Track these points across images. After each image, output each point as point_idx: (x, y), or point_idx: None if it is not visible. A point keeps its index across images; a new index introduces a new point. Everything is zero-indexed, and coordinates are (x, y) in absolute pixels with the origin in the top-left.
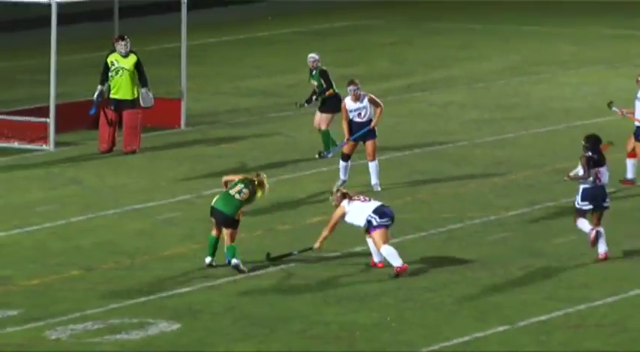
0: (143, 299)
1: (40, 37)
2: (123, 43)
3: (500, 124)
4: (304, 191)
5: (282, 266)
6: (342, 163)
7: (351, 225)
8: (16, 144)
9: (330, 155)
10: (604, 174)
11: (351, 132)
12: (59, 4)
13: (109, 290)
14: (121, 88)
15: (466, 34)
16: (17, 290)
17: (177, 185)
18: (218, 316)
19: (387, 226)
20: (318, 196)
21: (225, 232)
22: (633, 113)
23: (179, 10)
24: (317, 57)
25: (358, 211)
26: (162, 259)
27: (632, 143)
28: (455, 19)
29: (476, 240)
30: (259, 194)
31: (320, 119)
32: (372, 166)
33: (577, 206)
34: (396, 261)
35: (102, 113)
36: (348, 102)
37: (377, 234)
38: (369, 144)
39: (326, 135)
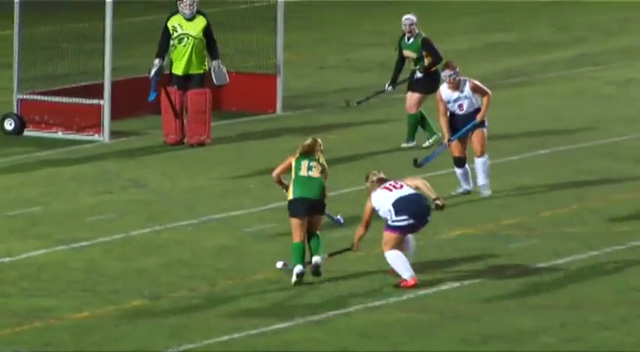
0: (226, 337)
1: None
2: (188, 1)
3: None
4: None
5: (409, 295)
6: (457, 170)
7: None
8: (60, 134)
9: (426, 163)
10: None
11: (452, 129)
12: None
13: (182, 326)
14: (184, 61)
15: None
16: (62, 325)
17: (271, 188)
18: None
19: (402, 228)
20: (456, 203)
21: (310, 223)
22: None
23: None
24: (414, 19)
25: (381, 203)
26: (251, 285)
27: None
28: None
29: None
30: (322, 158)
31: (410, 101)
32: (479, 163)
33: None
34: (405, 273)
35: (164, 95)
36: (445, 92)
37: (384, 234)
38: (477, 134)
39: (413, 122)
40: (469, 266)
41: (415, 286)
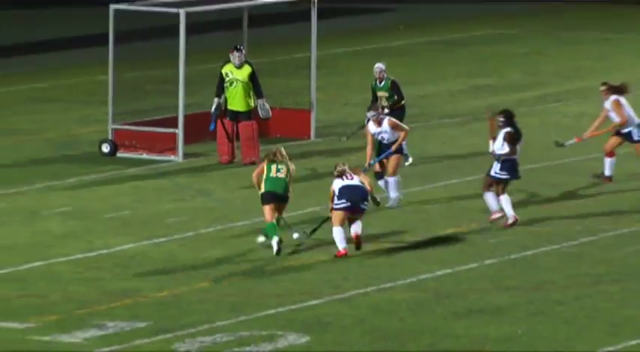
0: (272, 311)
1: (170, 46)
2: (237, 54)
3: None
4: (436, 202)
5: (413, 279)
6: (379, 181)
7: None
8: (144, 156)
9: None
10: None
11: (379, 153)
12: (188, 14)
13: (239, 302)
14: (235, 100)
15: (600, 44)
16: (146, 301)
17: (306, 196)
18: (347, 329)
19: (343, 209)
20: (449, 207)
21: (278, 209)
22: (599, 126)
23: (309, 19)
24: (384, 67)
25: (336, 188)
26: (291, 270)
27: (612, 143)
28: (589, 28)
29: (608, 254)
30: (290, 164)
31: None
32: (390, 181)
33: (494, 175)
34: (339, 244)
35: (220, 125)
36: (371, 127)
37: (333, 213)
38: (392, 159)
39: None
40: (459, 256)
41: (345, 255)
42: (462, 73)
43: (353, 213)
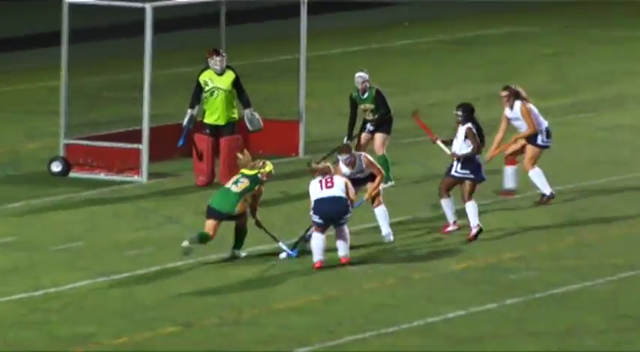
0: None
1: (133, 46)
2: (218, 58)
3: None
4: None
5: (420, 322)
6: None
7: None
8: (102, 176)
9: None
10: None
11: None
12: (156, 9)
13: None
14: (216, 112)
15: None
16: (101, 350)
17: (294, 223)
18: None
19: (317, 224)
20: (461, 237)
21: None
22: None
23: (297, 15)
24: (367, 76)
25: (312, 193)
26: (275, 312)
27: (513, 146)
28: (626, 26)
29: None
30: (262, 170)
31: (377, 142)
32: (378, 214)
33: (454, 174)
34: (316, 256)
35: (195, 141)
36: (343, 168)
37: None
38: (375, 195)
39: (383, 163)
40: (473, 295)
41: (320, 268)
42: (475, 77)
43: (327, 226)
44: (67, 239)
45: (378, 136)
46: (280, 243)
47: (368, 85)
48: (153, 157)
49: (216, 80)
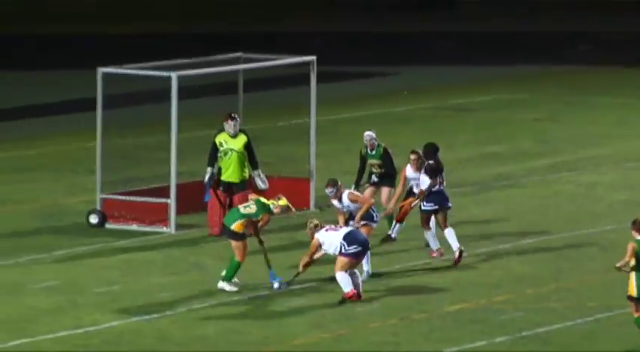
0: None
1: (160, 111)
2: (232, 122)
3: None
4: (442, 277)
5: None
6: None
7: None
8: (134, 227)
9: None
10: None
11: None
12: (180, 78)
13: None
14: (229, 170)
15: (618, 109)
16: None
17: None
18: None
19: (355, 254)
20: (457, 281)
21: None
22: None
23: (308, 83)
24: (374, 134)
25: (331, 239)
26: (290, 350)
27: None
28: (605, 93)
29: (625, 330)
30: (277, 203)
31: (384, 196)
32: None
33: (423, 208)
34: (346, 287)
35: (217, 195)
36: (333, 201)
37: (339, 260)
38: (363, 229)
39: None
40: (467, 334)
41: (353, 296)
42: (470, 140)
43: (359, 258)
44: (104, 283)
45: (384, 190)
46: (271, 272)
47: (376, 142)
48: (180, 211)
49: (230, 142)
